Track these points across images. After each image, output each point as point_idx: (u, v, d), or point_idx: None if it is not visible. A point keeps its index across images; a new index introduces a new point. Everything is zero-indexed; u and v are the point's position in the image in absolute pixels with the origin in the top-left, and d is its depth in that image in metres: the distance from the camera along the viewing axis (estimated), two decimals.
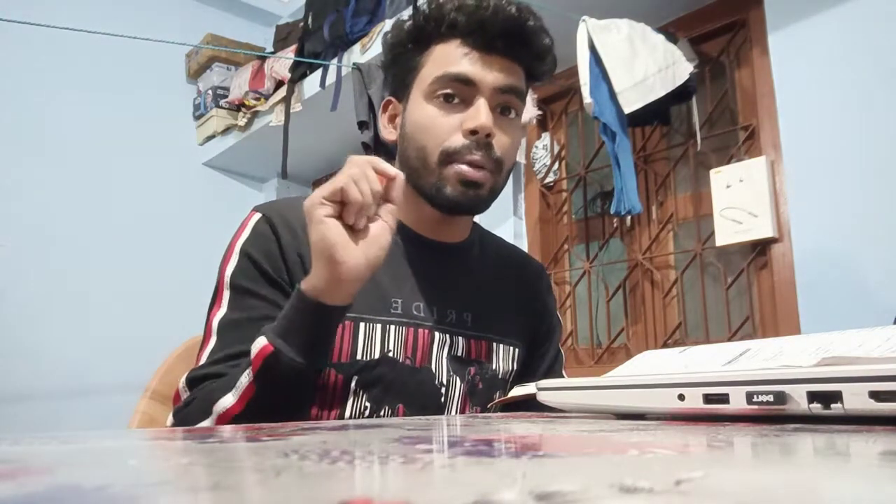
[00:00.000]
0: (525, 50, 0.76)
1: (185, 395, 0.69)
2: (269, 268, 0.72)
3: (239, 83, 2.63)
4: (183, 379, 0.69)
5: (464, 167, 0.73)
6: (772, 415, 0.38)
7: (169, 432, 0.46)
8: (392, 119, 0.82)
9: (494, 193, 0.77)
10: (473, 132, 0.72)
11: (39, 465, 0.23)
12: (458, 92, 0.74)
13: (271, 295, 0.71)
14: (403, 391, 0.74)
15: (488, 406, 0.81)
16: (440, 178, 0.74)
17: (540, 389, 0.53)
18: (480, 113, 0.72)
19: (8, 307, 2.31)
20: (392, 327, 0.74)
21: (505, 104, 0.76)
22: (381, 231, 0.63)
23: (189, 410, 0.66)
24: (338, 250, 0.59)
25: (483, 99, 0.73)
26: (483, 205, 0.77)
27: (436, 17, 0.75)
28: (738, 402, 0.39)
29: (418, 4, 0.77)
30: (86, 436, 0.34)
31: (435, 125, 0.74)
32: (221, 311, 0.71)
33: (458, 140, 0.73)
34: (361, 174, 0.60)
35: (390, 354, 0.74)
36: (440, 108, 0.74)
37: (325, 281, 0.61)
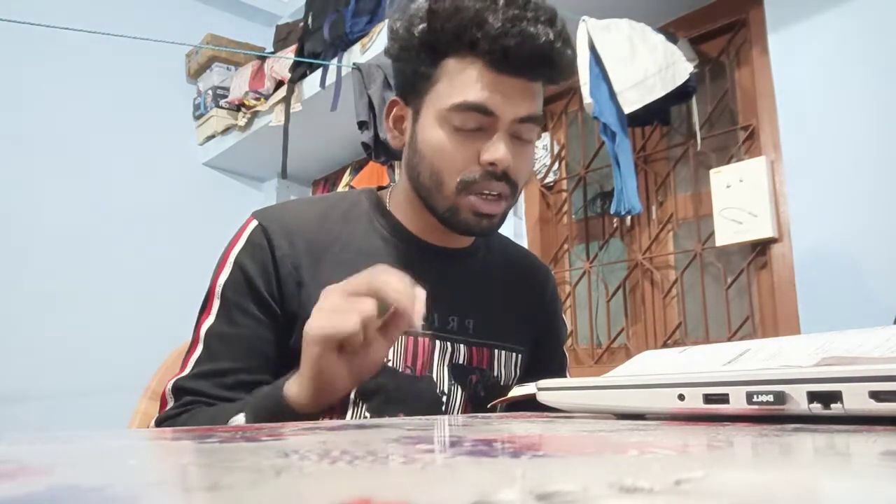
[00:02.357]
0: (549, 70, 0.72)
1: (170, 402, 0.69)
2: (260, 282, 0.71)
3: (239, 83, 2.63)
4: (169, 385, 0.70)
5: (480, 201, 0.72)
6: (772, 415, 0.38)
7: (169, 432, 0.46)
8: (398, 122, 0.79)
9: (506, 215, 0.76)
10: (491, 164, 0.71)
11: (39, 465, 0.23)
12: (476, 121, 0.71)
13: (258, 312, 0.71)
14: (403, 401, 0.73)
15: (488, 406, 0.80)
16: (455, 205, 0.73)
17: (540, 389, 0.53)
18: (499, 147, 0.70)
19: (8, 307, 2.31)
20: None
21: (523, 133, 0.73)
22: (378, 354, 0.58)
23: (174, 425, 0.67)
24: (332, 383, 0.57)
25: (502, 132, 0.71)
26: (495, 229, 0.77)
27: (453, 31, 0.69)
28: (738, 402, 0.39)
29: (434, 7, 0.71)
30: (86, 436, 0.34)
31: (451, 153, 0.71)
32: (210, 319, 0.72)
33: (475, 170, 0.71)
34: (370, 314, 0.54)
35: (390, 364, 0.73)
36: (456, 135, 0.71)
37: (310, 398, 0.58)
